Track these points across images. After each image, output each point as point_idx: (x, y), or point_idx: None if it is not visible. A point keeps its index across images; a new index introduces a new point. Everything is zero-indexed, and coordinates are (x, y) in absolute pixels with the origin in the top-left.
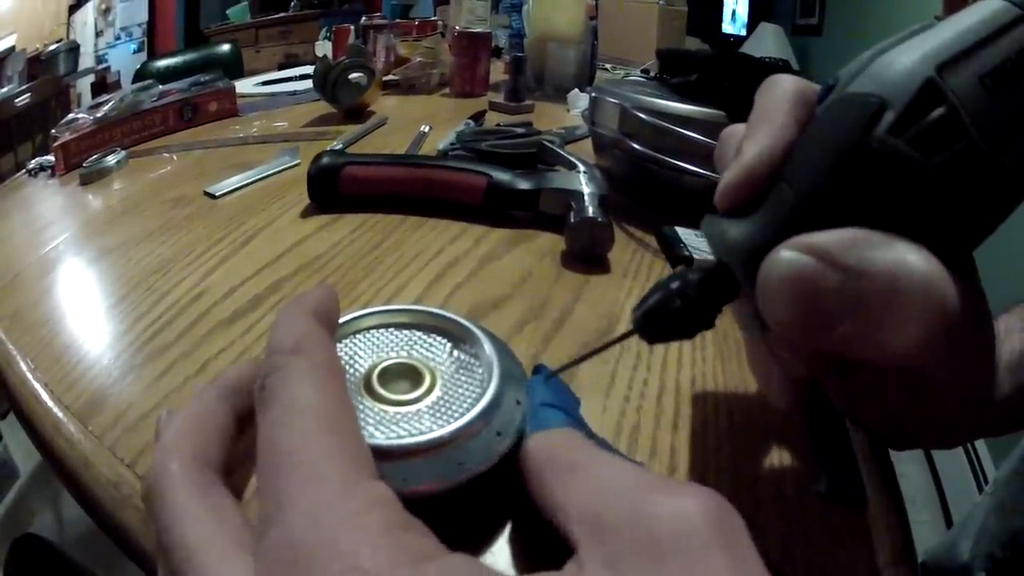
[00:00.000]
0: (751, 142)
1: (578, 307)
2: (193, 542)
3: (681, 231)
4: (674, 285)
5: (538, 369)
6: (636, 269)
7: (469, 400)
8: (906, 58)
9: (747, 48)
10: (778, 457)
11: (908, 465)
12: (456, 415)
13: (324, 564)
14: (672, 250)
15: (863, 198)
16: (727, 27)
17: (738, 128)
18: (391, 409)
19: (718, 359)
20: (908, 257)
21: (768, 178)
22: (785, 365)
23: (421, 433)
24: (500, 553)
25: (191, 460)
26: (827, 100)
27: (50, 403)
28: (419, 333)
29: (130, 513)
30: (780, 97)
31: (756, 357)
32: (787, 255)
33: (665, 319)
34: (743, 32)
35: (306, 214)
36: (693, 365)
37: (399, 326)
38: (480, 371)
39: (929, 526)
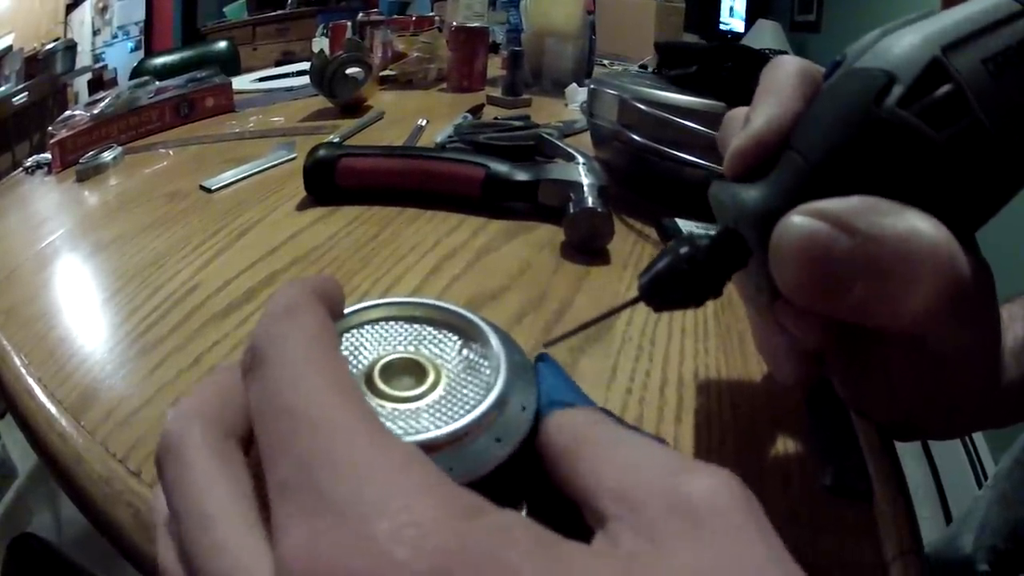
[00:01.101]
0: (759, 112)
1: (578, 299)
2: (212, 511)
3: (682, 223)
4: (683, 250)
5: (541, 357)
6: (636, 261)
7: (472, 401)
8: (912, 38)
9: (745, 44)
10: (783, 449)
11: (907, 461)
12: (457, 416)
13: (373, 523)
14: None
15: (873, 167)
16: (725, 23)
17: (741, 111)
18: (389, 405)
19: (721, 351)
20: (919, 224)
21: (776, 145)
22: (792, 337)
23: (417, 432)
24: None
25: (214, 426)
26: (835, 75)
27: (43, 398)
28: (427, 328)
29: (122, 509)
30: (786, 74)
31: (762, 331)
32: (800, 220)
33: (673, 285)
34: (741, 28)
35: (302, 207)
36: (696, 357)
37: (407, 319)
38: (487, 372)
39: (929, 522)
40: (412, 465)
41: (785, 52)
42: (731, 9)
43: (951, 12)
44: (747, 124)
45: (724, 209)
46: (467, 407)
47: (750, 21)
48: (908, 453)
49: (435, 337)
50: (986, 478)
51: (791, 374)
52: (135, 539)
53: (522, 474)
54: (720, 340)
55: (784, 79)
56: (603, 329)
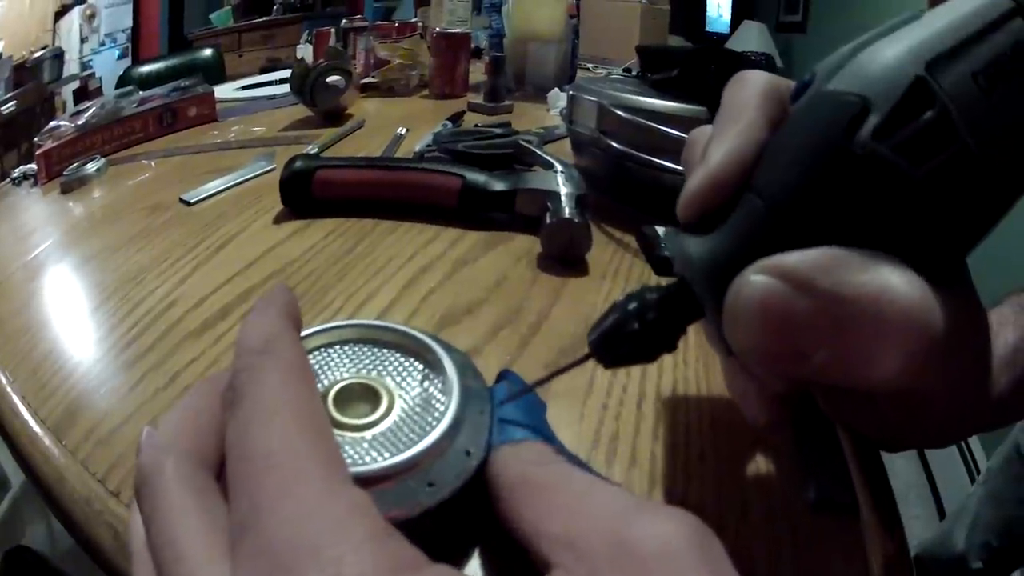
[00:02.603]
0: (717, 145)
1: (555, 311)
2: (183, 542)
3: (662, 230)
4: (631, 306)
5: (503, 375)
6: (615, 270)
7: (415, 439)
8: (893, 53)
9: (730, 46)
10: (764, 464)
11: (899, 461)
12: (396, 452)
13: (305, 571)
14: (652, 250)
15: (842, 210)
16: (710, 24)
17: (707, 129)
18: (336, 432)
19: (700, 363)
20: (891, 280)
21: (736, 186)
22: (761, 384)
23: (353, 464)
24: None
25: (186, 459)
26: (803, 98)
27: (27, 416)
28: (395, 354)
29: (103, 530)
30: (749, 93)
31: (730, 373)
32: (756, 279)
33: (623, 342)
34: (726, 30)
35: (279, 220)
36: (674, 370)
37: (377, 343)
38: (440, 409)
39: (923, 521)
40: (354, 516)
41: (768, 55)
42: (716, 11)
43: (939, 15)
44: (703, 160)
45: (676, 260)
46: (409, 444)
47: (735, 22)
48: (900, 455)
49: (400, 365)
50: (979, 474)
51: (762, 418)
52: (115, 559)
53: (466, 515)
54: (699, 352)
55: (747, 101)
56: (579, 343)
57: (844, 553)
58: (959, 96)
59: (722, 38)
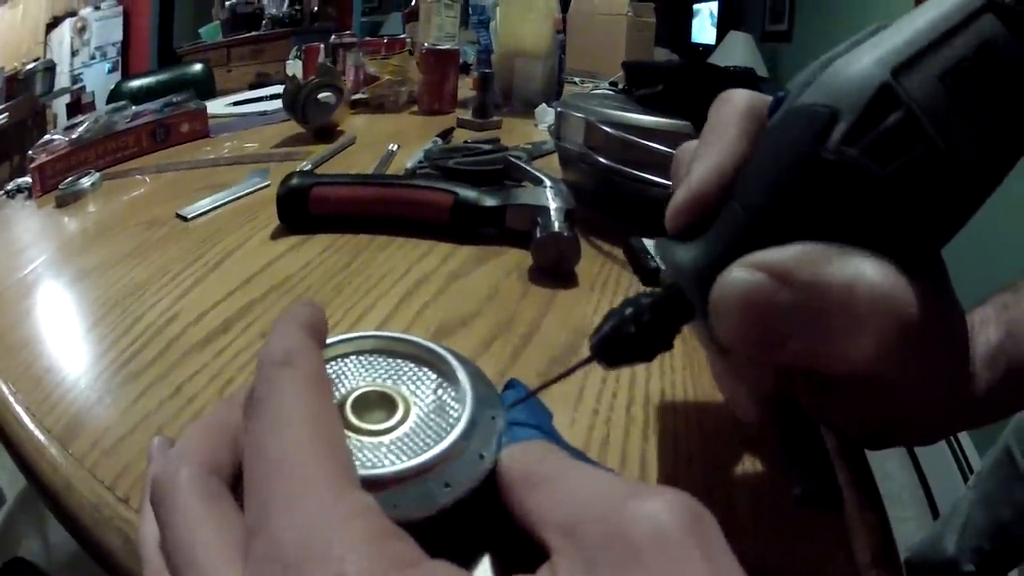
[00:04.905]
0: (699, 162)
1: (545, 322)
2: (196, 545)
3: (648, 242)
4: (628, 311)
5: (511, 384)
6: (604, 282)
7: (432, 443)
8: (860, 64)
9: (717, 56)
10: (751, 464)
11: (892, 463)
12: (413, 455)
13: (309, 570)
14: (639, 262)
15: (816, 211)
16: (696, 35)
17: (693, 145)
18: (354, 436)
19: (687, 369)
20: (864, 269)
21: (718, 198)
22: (750, 382)
23: (372, 467)
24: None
25: (200, 468)
26: (778, 113)
27: (32, 427)
28: (409, 364)
29: (113, 534)
30: (731, 112)
31: (721, 374)
32: (739, 274)
33: (622, 344)
34: (712, 41)
35: (276, 235)
36: (662, 376)
37: (391, 353)
38: (455, 414)
39: (916, 523)
40: (359, 518)
41: (751, 69)
42: (703, 22)
43: (909, 19)
44: (687, 175)
45: (667, 267)
46: (426, 448)
47: (721, 33)
48: (891, 454)
49: (415, 374)
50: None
51: (752, 415)
52: (126, 563)
53: (480, 513)
54: (686, 358)
55: (729, 119)
56: (569, 352)
57: (830, 550)
58: (925, 97)
59: (708, 49)
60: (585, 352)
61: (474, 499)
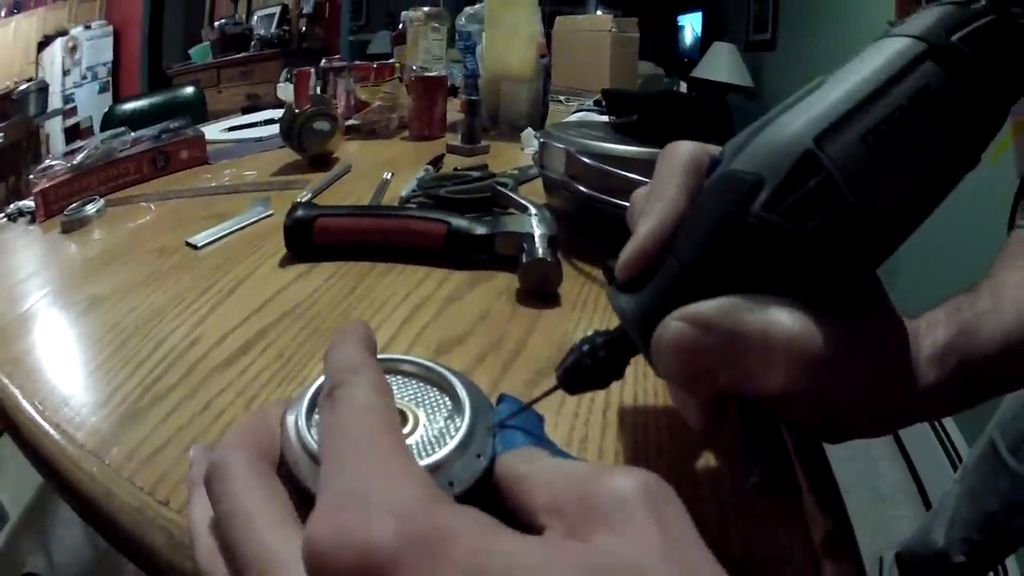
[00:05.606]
0: (644, 221)
1: (532, 339)
2: (252, 510)
3: None
4: (585, 348)
5: (502, 398)
6: (584, 301)
7: (438, 447)
8: (787, 130)
9: (702, 67)
10: (713, 457)
11: (883, 463)
12: (436, 447)
13: (367, 507)
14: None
15: (742, 267)
16: (682, 47)
17: (643, 193)
18: None
19: (657, 379)
20: (778, 317)
21: (658, 253)
22: (693, 397)
23: (420, 459)
24: None
25: (251, 454)
26: (713, 175)
27: (64, 442)
28: (421, 383)
29: (157, 533)
30: (674, 168)
31: (672, 390)
32: (672, 324)
33: (581, 375)
34: (697, 53)
35: (284, 263)
36: (636, 383)
37: (405, 374)
38: (458, 423)
39: (910, 521)
40: (408, 476)
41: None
42: (687, 34)
43: (845, 74)
44: (634, 233)
45: (616, 313)
46: (432, 453)
47: (706, 43)
48: (883, 453)
49: (422, 391)
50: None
51: (699, 424)
52: (171, 559)
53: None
54: None
55: (670, 177)
56: (554, 364)
57: (790, 533)
58: (844, 159)
59: (693, 61)
60: None
61: (472, 494)
